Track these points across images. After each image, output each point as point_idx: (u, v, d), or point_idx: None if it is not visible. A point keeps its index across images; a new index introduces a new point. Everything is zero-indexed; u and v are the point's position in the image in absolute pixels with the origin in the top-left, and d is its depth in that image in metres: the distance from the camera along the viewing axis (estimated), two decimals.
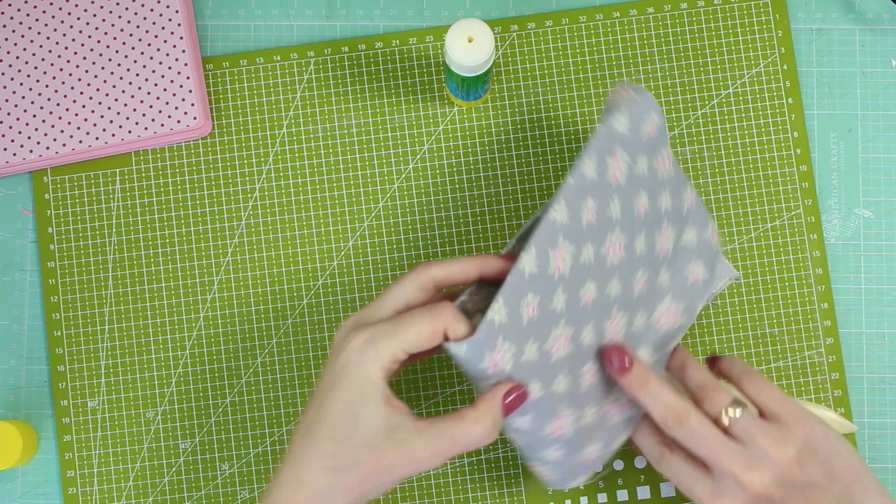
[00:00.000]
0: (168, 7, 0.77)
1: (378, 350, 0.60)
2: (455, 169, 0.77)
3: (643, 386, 0.64)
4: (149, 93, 0.76)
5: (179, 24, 0.77)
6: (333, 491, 0.60)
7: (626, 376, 0.64)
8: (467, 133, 0.77)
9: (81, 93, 0.76)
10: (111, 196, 0.77)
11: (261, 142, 0.77)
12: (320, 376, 0.62)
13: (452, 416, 0.61)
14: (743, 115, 0.77)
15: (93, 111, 0.76)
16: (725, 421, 0.62)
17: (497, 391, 0.62)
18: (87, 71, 0.76)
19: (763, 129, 0.77)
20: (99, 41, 0.77)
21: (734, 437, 0.62)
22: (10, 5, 0.77)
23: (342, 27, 0.79)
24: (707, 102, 0.77)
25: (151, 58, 0.76)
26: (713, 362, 0.68)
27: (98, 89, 0.76)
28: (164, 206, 0.77)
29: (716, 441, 0.62)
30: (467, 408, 0.61)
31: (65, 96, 0.76)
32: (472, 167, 0.77)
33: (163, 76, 0.76)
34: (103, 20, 0.77)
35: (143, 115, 0.76)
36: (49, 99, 0.76)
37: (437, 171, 0.77)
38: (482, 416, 0.61)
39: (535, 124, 0.77)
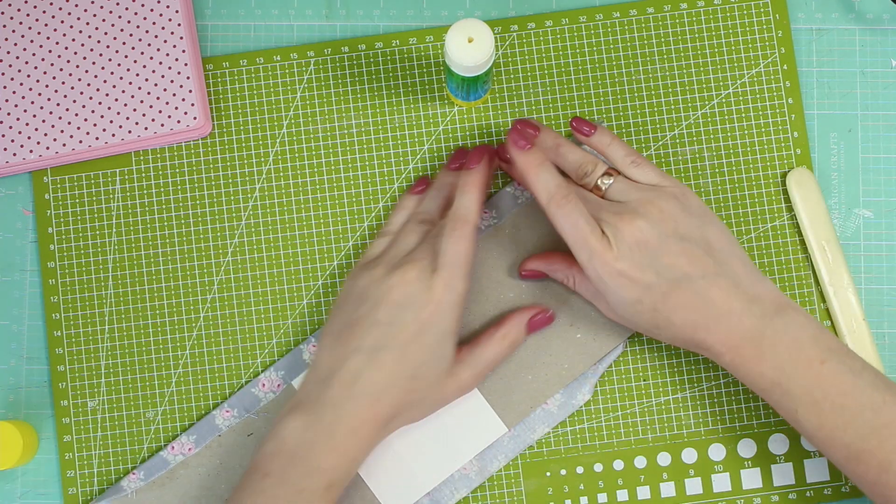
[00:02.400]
0: (168, 7, 0.77)
1: (459, 295, 0.67)
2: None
3: (538, 166, 0.68)
4: (149, 93, 0.76)
5: (179, 24, 0.77)
6: (403, 415, 0.68)
7: (524, 154, 0.69)
8: (467, 133, 0.77)
9: (81, 93, 0.76)
10: (111, 196, 0.77)
11: (261, 142, 0.77)
12: (383, 308, 0.67)
13: (485, 338, 0.70)
14: (743, 115, 0.77)
15: (93, 111, 0.76)
16: (602, 187, 0.69)
17: (523, 313, 0.71)
18: (87, 71, 0.76)
19: (763, 129, 0.77)
20: (99, 41, 0.77)
21: (611, 198, 0.69)
22: (10, 5, 0.77)
23: (342, 27, 0.79)
24: (707, 102, 0.77)
25: (151, 58, 0.76)
26: (579, 127, 0.72)
27: (98, 89, 0.76)
28: (164, 206, 0.77)
29: (596, 202, 0.68)
30: (494, 327, 0.71)
31: (65, 96, 0.76)
32: None
33: (163, 76, 0.76)
34: (103, 20, 0.77)
35: (143, 115, 0.76)
36: (49, 99, 0.76)
37: (438, 171, 0.77)
38: (509, 333, 0.71)
39: None
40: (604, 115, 0.77)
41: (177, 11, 0.77)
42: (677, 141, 0.77)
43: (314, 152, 0.77)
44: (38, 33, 0.77)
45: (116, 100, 0.76)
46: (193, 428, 0.74)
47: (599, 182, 0.69)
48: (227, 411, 0.74)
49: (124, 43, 0.77)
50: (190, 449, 0.73)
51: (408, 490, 0.72)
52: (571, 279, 0.71)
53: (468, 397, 0.73)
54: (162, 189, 0.77)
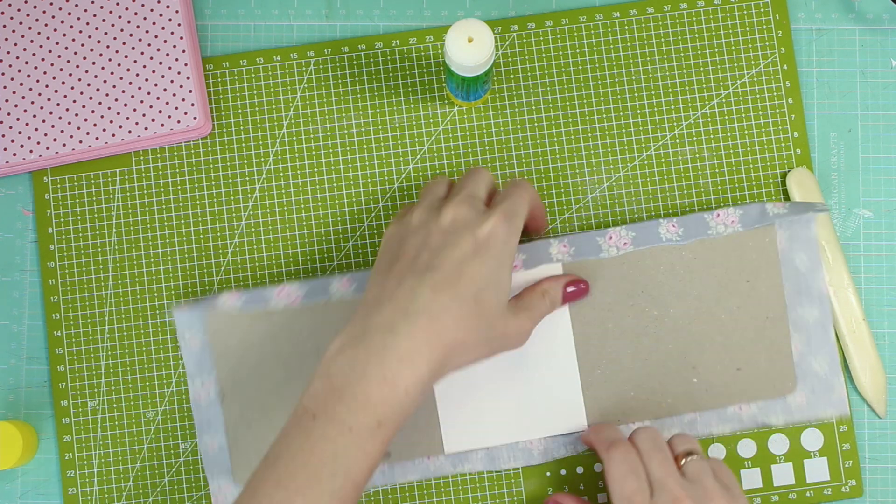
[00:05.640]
0: (168, 7, 0.77)
1: (516, 229, 0.65)
2: (455, 169, 0.77)
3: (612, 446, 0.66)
4: (149, 93, 0.76)
5: (179, 24, 0.77)
6: (464, 347, 0.62)
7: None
8: (467, 133, 0.77)
9: (81, 93, 0.76)
10: (111, 196, 0.77)
11: (261, 142, 0.77)
12: (436, 245, 0.63)
13: (527, 293, 0.69)
14: (743, 115, 0.77)
15: (93, 111, 0.76)
16: (682, 461, 0.65)
17: (560, 278, 0.71)
18: (87, 71, 0.76)
19: (763, 129, 0.77)
20: (99, 41, 0.77)
21: (685, 475, 0.65)
22: (10, 5, 0.77)
23: (342, 27, 0.79)
24: (707, 102, 0.77)
25: (151, 58, 0.76)
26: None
27: (98, 89, 0.76)
28: (164, 206, 0.77)
29: (668, 468, 0.65)
30: (533, 286, 0.70)
31: (65, 96, 0.76)
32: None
33: (163, 76, 0.76)
34: (103, 20, 0.77)
35: (143, 115, 0.76)
36: (49, 99, 0.76)
37: (438, 172, 0.77)
38: (548, 290, 0.70)
39: (535, 124, 0.77)
40: (604, 115, 0.77)
41: (177, 11, 0.77)
42: (677, 141, 0.77)
43: (314, 152, 0.77)
44: (38, 33, 0.77)
45: (116, 100, 0.76)
46: (306, 283, 0.73)
47: (684, 454, 0.66)
48: (347, 282, 0.73)
49: (124, 43, 0.77)
50: (296, 300, 0.73)
51: (471, 436, 0.73)
52: None
53: (568, 379, 0.73)
54: (162, 189, 0.77)
